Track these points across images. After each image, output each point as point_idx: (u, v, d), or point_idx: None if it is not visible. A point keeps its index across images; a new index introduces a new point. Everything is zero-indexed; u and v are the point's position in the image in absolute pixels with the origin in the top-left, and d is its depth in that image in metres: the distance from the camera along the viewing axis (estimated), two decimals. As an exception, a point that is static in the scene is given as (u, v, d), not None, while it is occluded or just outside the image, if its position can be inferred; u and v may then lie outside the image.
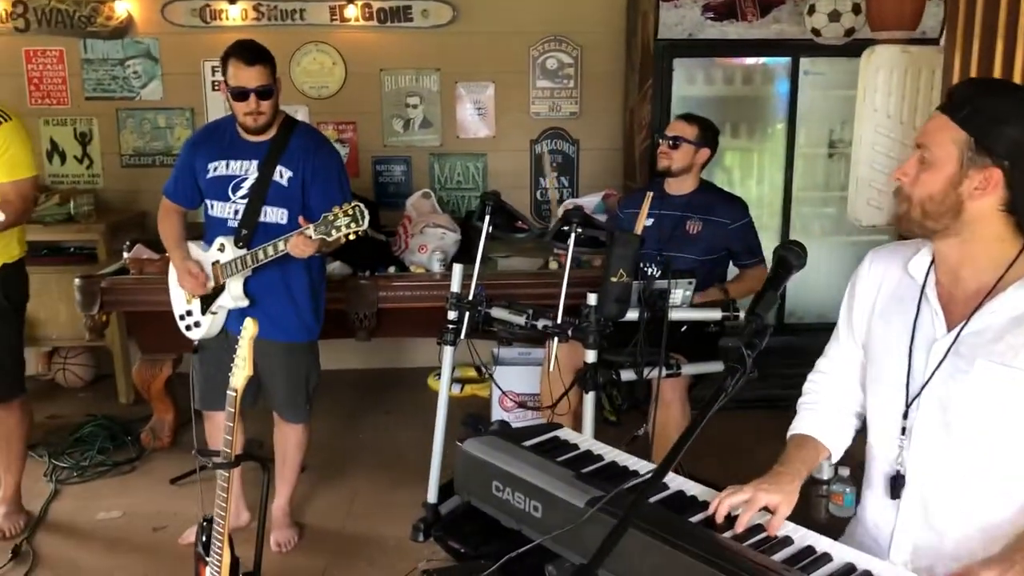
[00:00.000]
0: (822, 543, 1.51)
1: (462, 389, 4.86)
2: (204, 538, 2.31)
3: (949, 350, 1.59)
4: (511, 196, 5.02)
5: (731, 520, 1.58)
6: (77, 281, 3.86)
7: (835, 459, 1.86)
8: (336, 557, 3.22)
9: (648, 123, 4.47)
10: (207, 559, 2.29)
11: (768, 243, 4.61)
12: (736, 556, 1.42)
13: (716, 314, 3.05)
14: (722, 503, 1.57)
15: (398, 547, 3.26)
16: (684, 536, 1.44)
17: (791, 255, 1.54)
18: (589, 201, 4.64)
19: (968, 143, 1.52)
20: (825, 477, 3.14)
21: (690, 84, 4.54)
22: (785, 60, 4.47)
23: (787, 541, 1.51)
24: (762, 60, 4.58)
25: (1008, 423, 1.54)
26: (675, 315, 2.97)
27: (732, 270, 3.68)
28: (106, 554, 3.24)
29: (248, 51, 2.95)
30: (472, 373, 4.91)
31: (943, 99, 1.63)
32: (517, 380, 4.13)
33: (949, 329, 1.62)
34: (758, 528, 1.55)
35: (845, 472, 3.15)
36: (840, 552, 1.47)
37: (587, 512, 1.51)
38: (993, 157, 1.51)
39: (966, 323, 1.58)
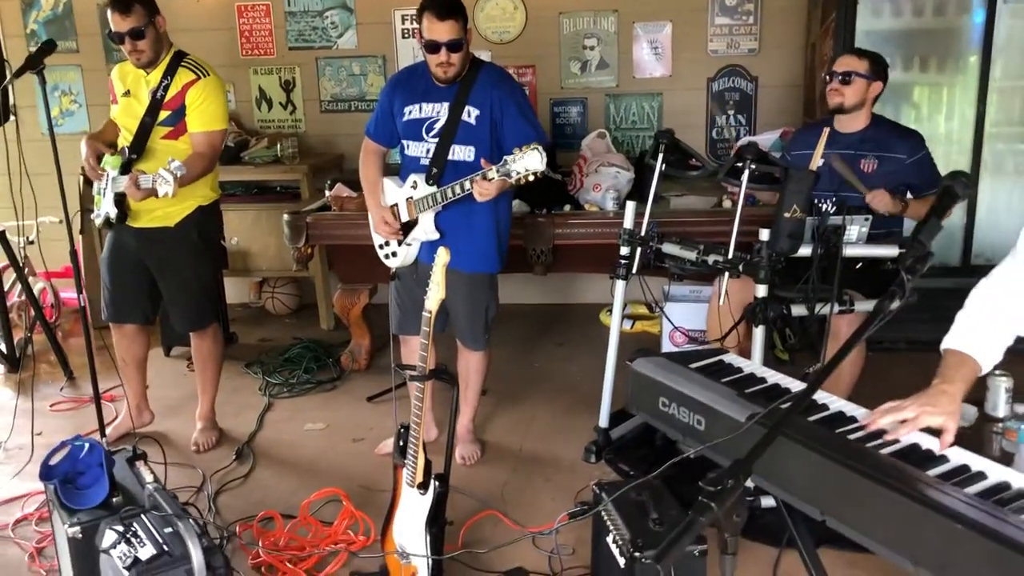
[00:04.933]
0: (979, 463, 1.57)
1: (632, 326, 5.00)
2: (401, 443, 2.60)
3: None
4: (686, 135, 5.05)
5: (890, 440, 1.67)
6: (286, 217, 4.27)
7: (984, 372, 1.84)
8: (514, 472, 3.48)
9: (829, 58, 4.37)
10: (404, 461, 2.58)
11: (956, 181, 4.46)
12: (891, 468, 1.51)
13: (893, 251, 3.02)
14: (881, 416, 1.66)
15: (571, 467, 3.48)
16: (839, 448, 1.55)
17: (957, 185, 1.58)
18: (766, 139, 4.61)
19: None
20: (1000, 415, 3.08)
21: (876, 17, 4.39)
22: (982, -13, 4.24)
23: (943, 459, 1.59)
24: (957, -12, 4.36)
25: None
26: (849, 251, 2.98)
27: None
28: (314, 459, 3.65)
29: (441, 6, 3.11)
30: (643, 310, 5.05)
31: None
32: (687, 317, 4.22)
33: None
34: (914, 447, 1.63)
35: (1020, 409, 3.08)
36: (995, 471, 1.53)
37: (746, 425, 1.64)
38: None
39: None
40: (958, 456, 1.60)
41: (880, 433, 1.68)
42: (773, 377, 1.96)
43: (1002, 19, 4.24)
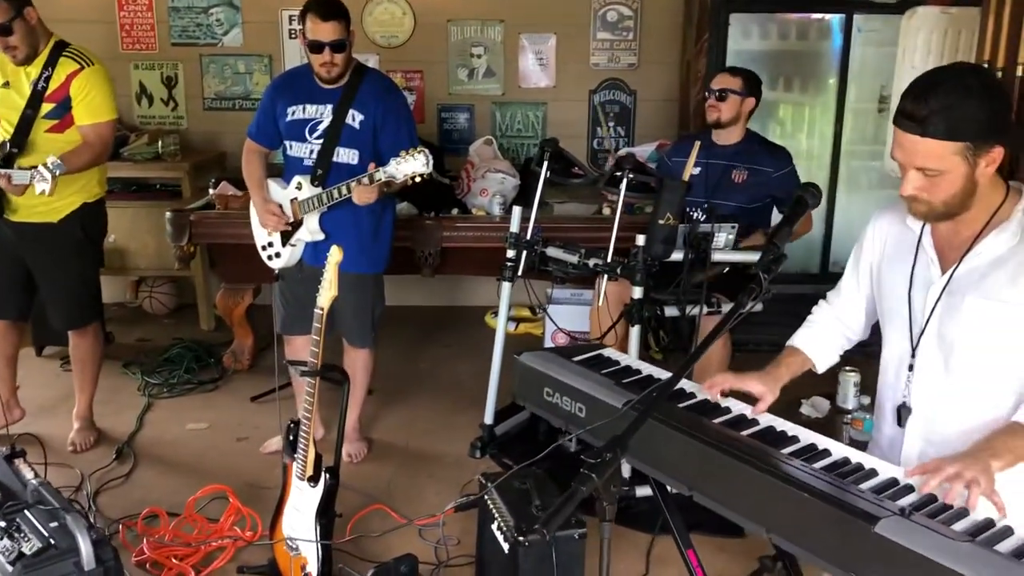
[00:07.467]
0: (825, 443, 1.77)
1: (516, 327, 5.14)
2: (291, 438, 2.64)
3: (944, 290, 1.81)
4: (568, 144, 5.20)
5: (749, 423, 1.85)
6: (168, 214, 4.21)
7: (819, 371, 2.12)
8: (400, 468, 3.56)
9: (703, 76, 4.64)
10: (294, 456, 2.62)
11: (815, 195, 4.80)
12: (749, 447, 1.68)
13: (756, 256, 3.26)
14: (714, 383, 1.92)
15: (456, 462, 3.58)
16: (705, 430, 1.72)
17: (808, 195, 1.77)
18: (643, 151, 4.85)
19: (964, 147, 1.62)
20: (849, 407, 3.38)
21: (745, 38, 4.70)
22: (839, 16, 4.59)
23: (794, 439, 1.78)
24: (817, 16, 4.71)
25: (996, 350, 1.75)
26: (718, 257, 3.21)
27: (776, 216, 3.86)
28: (197, 458, 3.63)
29: (324, 7, 3.18)
30: (527, 313, 5.20)
31: (905, 120, 1.65)
32: (569, 318, 4.38)
33: (944, 272, 1.83)
34: (770, 429, 1.82)
35: (866, 401, 3.39)
36: (838, 449, 1.73)
37: (622, 410, 1.79)
38: (990, 139, 1.64)
39: (957, 265, 1.80)
40: (807, 436, 1.79)
41: (742, 417, 1.86)
42: (647, 369, 2.12)
43: (856, 46, 4.61)
